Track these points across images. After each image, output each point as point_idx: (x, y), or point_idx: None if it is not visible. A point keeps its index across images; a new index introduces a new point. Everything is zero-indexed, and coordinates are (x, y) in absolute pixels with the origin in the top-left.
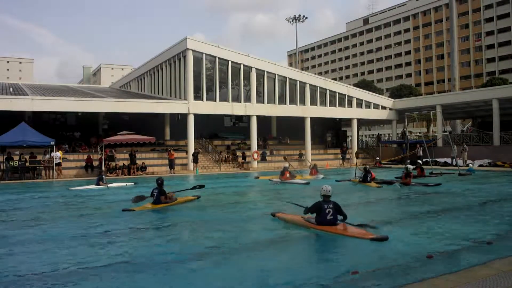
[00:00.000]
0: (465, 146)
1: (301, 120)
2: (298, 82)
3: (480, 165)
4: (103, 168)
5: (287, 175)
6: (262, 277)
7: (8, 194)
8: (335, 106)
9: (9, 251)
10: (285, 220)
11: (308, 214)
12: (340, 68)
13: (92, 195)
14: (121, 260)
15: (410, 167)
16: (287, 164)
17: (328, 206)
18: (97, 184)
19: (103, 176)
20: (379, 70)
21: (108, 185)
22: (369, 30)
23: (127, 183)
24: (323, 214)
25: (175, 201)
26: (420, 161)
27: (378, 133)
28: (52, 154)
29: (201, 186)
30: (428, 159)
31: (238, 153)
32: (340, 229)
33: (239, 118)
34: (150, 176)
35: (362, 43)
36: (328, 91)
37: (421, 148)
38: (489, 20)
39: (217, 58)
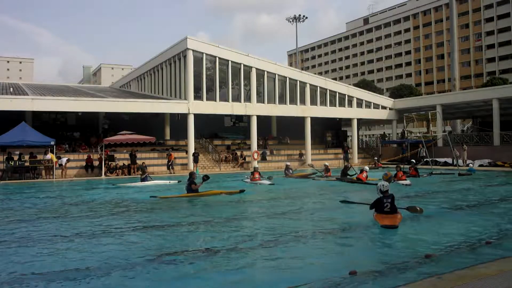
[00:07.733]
0: (464, 146)
1: (301, 120)
2: (298, 82)
3: (480, 165)
4: (103, 168)
5: (256, 175)
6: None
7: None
8: (335, 106)
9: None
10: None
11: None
12: (340, 68)
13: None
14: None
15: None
16: (256, 165)
17: (387, 201)
18: (142, 180)
19: (147, 176)
20: (379, 70)
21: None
22: (369, 30)
23: (170, 181)
24: (381, 206)
25: (213, 192)
26: (413, 161)
27: (384, 132)
28: (59, 160)
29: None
30: (428, 159)
31: (238, 153)
32: (395, 220)
33: (239, 118)
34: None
35: (362, 43)
36: (328, 91)
37: (424, 149)
38: (489, 20)
39: (217, 58)
